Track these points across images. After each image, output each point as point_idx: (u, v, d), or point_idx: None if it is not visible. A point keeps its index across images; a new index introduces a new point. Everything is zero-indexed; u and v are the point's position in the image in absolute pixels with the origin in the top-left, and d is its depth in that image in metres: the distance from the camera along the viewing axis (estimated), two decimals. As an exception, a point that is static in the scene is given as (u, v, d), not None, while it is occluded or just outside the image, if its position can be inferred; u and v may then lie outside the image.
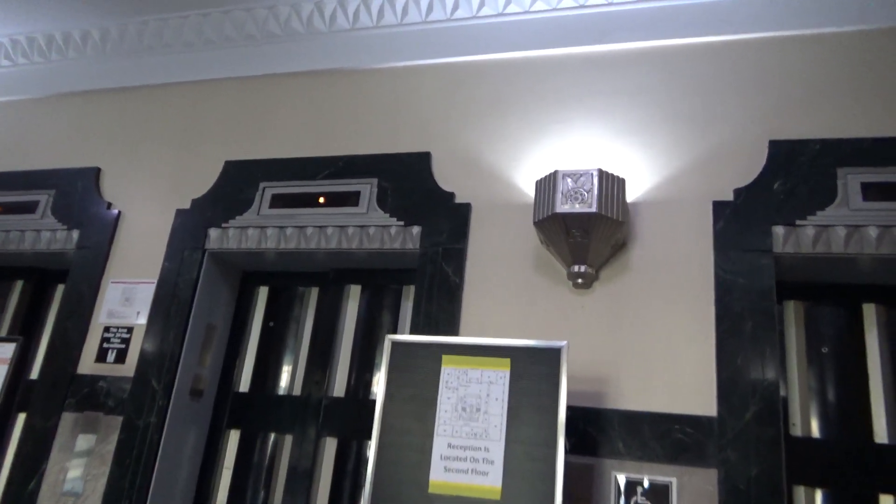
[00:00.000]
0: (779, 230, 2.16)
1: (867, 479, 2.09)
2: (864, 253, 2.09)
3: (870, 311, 2.29)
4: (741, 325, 2.09)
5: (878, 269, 2.17)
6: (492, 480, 1.65)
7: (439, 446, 1.71)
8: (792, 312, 2.36)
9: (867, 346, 2.26)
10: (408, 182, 2.63)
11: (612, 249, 2.29)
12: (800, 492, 2.12)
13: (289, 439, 2.71)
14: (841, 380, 2.24)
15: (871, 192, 2.16)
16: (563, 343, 1.76)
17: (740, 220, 2.21)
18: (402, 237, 2.54)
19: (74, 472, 2.56)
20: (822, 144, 2.24)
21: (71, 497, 2.53)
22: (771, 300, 2.10)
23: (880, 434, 2.15)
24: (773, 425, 1.96)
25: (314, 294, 2.94)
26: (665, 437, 2.01)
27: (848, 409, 2.20)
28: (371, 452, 1.74)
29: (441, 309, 2.38)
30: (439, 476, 1.68)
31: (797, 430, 2.21)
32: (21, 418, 2.92)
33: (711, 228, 2.24)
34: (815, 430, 2.21)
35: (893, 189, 2.14)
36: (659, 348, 2.14)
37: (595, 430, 2.07)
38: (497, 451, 1.67)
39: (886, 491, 2.07)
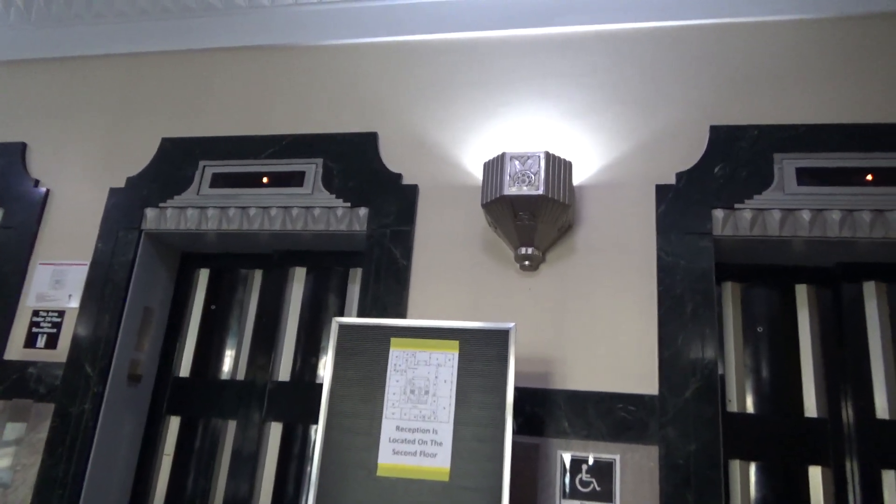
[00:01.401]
0: (718, 213, 2.22)
1: (798, 452, 2.19)
2: (797, 235, 2.17)
3: (802, 292, 2.39)
4: (682, 306, 2.14)
5: (810, 251, 2.26)
6: (440, 462, 1.65)
7: (388, 429, 1.70)
8: (729, 293, 2.43)
9: (799, 325, 2.36)
10: (354, 163, 2.58)
11: (559, 232, 2.31)
12: (735, 465, 2.21)
13: (232, 425, 2.65)
14: (774, 358, 2.34)
15: (805, 176, 2.24)
16: (512, 325, 1.77)
17: (682, 204, 2.26)
18: (348, 219, 2.50)
19: (2, 462, 2.44)
20: (760, 130, 2.31)
21: (0, 485, 2.42)
22: (710, 282, 2.16)
23: (810, 409, 2.25)
24: (711, 402, 2.02)
25: (258, 276, 2.87)
26: (609, 415, 2.06)
27: (781, 385, 2.30)
28: (318, 436, 1.71)
29: (389, 291, 2.36)
30: (388, 458, 1.67)
31: (733, 407, 2.29)
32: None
33: (654, 211, 2.29)
34: (749, 406, 2.29)
35: (826, 174, 2.23)
36: (603, 329, 2.18)
37: (541, 411, 2.10)
38: (445, 433, 1.67)
39: (815, 463, 2.17)
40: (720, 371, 2.25)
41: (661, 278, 2.19)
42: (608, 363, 2.13)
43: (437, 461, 1.65)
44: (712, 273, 2.17)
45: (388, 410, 1.72)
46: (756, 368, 2.34)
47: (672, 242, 2.22)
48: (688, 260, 2.19)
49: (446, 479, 1.63)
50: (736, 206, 2.22)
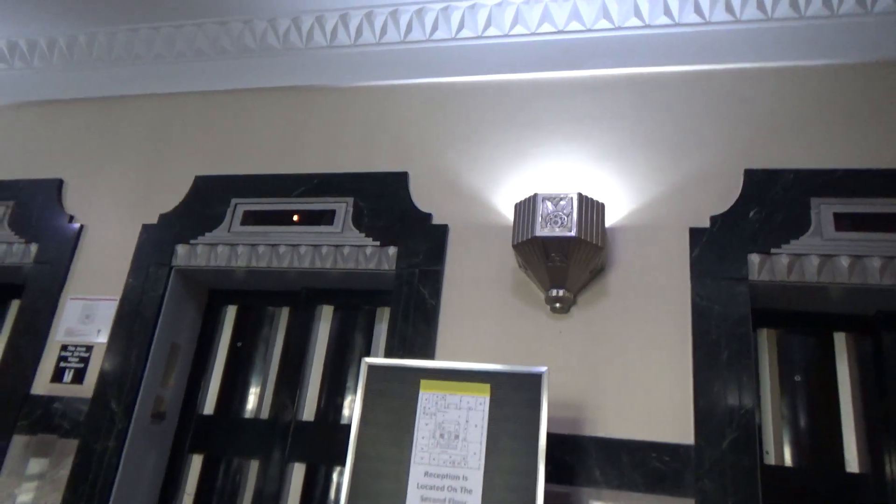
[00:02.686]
0: (754, 258, 2.18)
1: (840, 508, 2.09)
2: (835, 282, 2.11)
3: (840, 340, 2.32)
4: (717, 352, 2.09)
5: (848, 298, 2.20)
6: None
7: (416, 474, 1.65)
8: (766, 340, 2.37)
9: (838, 374, 2.28)
10: (384, 202, 2.59)
11: (591, 274, 2.28)
12: (775, 521, 2.12)
13: (255, 464, 2.61)
14: (813, 408, 2.26)
15: (843, 222, 2.20)
16: (544, 369, 1.73)
17: (716, 248, 2.22)
18: (377, 257, 2.50)
19: (24, 498, 2.41)
20: (796, 174, 2.28)
21: (20, 525, 2.39)
22: (747, 327, 2.10)
23: (851, 463, 2.16)
24: (749, 453, 1.95)
25: (284, 314, 2.86)
26: (642, 465, 1.99)
27: (820, 437, 2.21)
28: (345, 480, 1.67)
29: (417, 332, 2.33)
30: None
31: (771, 459, 2.20)
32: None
33: (688, 255, 2.25)
34: (788, 458, 2.21)
35: (865, 219, 2.18)
36: (636, 375, 2.12)
37: (572, 458, 2.03)
38: (476, 480, 1.62)
39: (859, 520, 2.08)
40: (757, 421, 2.17)
41: (696, 323, 2.14)
42: (642, 410, 2.07)
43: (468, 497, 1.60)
44: (748, 319, 2.12)
45: (416, 455, 1.67)
46: (794, 419, 2.25)
47: (707, 287, 2.18)
48: (723, 305, 2.14)
49: (477, 528, 1.58)
50: (772, 250, 2.18)
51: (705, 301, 2.16)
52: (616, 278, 2.28)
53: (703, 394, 2.04)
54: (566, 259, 2.17)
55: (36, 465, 2.46)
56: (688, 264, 2.24)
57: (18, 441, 2.52)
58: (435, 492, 1.62)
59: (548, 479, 1.98)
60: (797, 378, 2.30)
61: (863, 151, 2.27)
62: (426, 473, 1.65)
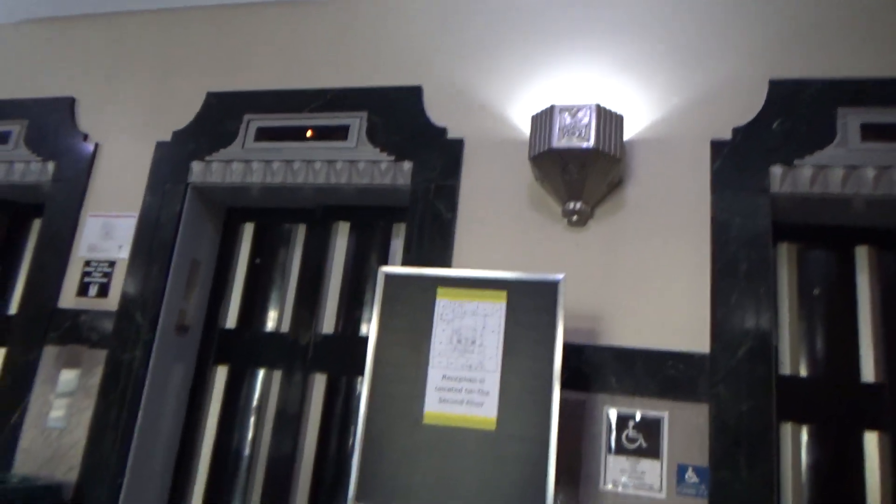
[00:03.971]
0: (776, 170, 2.13)
1: (853, 416, 2.12)
2: (860, 193, 2.07)
3: (862, 254, 2.29)
4: (736, 264, 2.08)
5: (872, 210, 2.16)
6: (487, 411, 1.64)
7: (434, 378, 1.69)
8: (785, 254, 2.35)
9: (858, 288, 2.27)
10: (398, 116, 2.55)
11: (608, 187, 2.25)
12: (787, 428, 2.15)
13: (277, 375, 2.69)
14: (830, 321, 2.26)
15: (870, 132, 2.13)
16: (561, 276, 1.74)
17: (738, 160, 2.18)
18: (392, 172, 2.48)
19: (59, 405, 2.52)
20: (823, 84, 2.20)
21: (55, 430, 2.50)
22: (767, 241, 2.08)
23: (867, 374, 2.17)
24: (764, 363, 1.97)
25: (302, 231, 2.88)
26: (658, 373, 2.02)
27: (836, 349, 2.22)
28: (364, 385, 1.72)
29: (433, 246, 2.34)
30: (434, 407, 1.67)
31: (786, 369, 2.23)
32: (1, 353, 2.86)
33: (709, 167, 2.21)
34: (803, 369, 2.23)
35: (892, 130, 2.12)
36: (654, 286, 2.13)
37: (588, 367, 2.07)
38: (492, 383, 1.65)
39: (871, 428, 2.10)
40: (774, 333, 2.18)
41: (716, 236, 2.12)
42: (658, 320, 2.08)
43: (483, 410, 1.64)
44: (769, 232, 2.09)
45: (434, 360, 1.71)
46: (811, 331, 2.26)
47: (727, 200, 2.15)
48: (743, 218, 2.11)
49: (493, 428, 1.62)
50: (795, 162, 2.13)
51: (725, 214, 2.13)
52: (634, 191, 2.26)
53: (720, 305, 2.04)
54: (583, 171, 2.14)
55: (67, 375, 2.55)
56: (708, 177, 2.20)
57: (49, 352, 2.61)
58: (452, 394, 1.67)
59: (563, 386, 2.03)
60: (816, 292, 2.30)
61: (891, 60, 2.18)
62: (444, 377, 1.69)
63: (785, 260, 2.35)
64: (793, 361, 2.24)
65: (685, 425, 1.96)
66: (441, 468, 1.61)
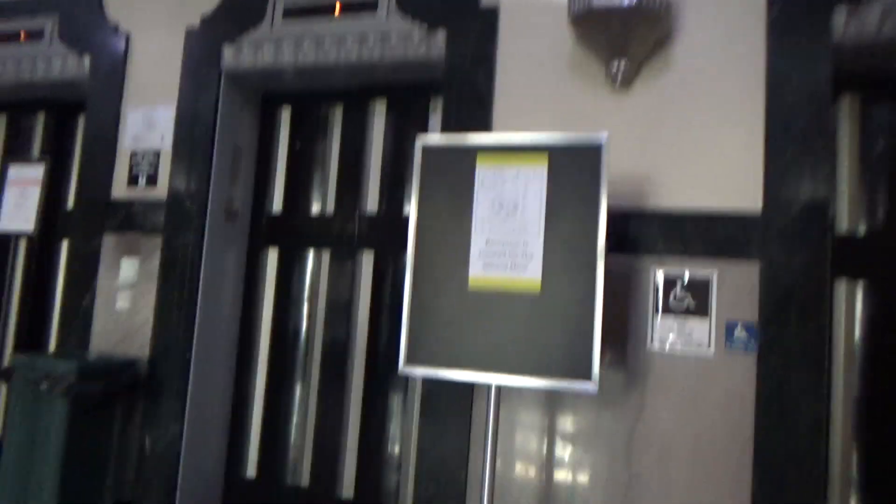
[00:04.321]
0: (841, 13, 1.96)
1: (912, 269, 2.06)
2: (935, 33, 1.89)
3: (932, 102, 2.14)
4: (793, 119, 1.96)
5: (947, 52, 1.99)
6: (531, 273, 1.65)
7: (478, 243, 1.70)
8: (847, 106, 2.20)
9: (925, 139, 2.13)
10: (430, -17, 2.41)
11: (654, 44, 2.12)
12: (842, 284, 2.11)
13: (326, 256, 2.76)
14: (893, 177, 2.14)
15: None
16: (604, 136, 1.68)
17: (798, 6, 2.00)
18: (426, 44, 2.38)
19: (124, 287, 2.66)
20: None
21: (123, 312, 2.65)
22: (826, 92, 1.94)
23: (928, 227, 2.08)
24: (819, 220, 1.90)
25: (339, 113, 2.84)
26: (707, 233, 1.97)
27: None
28: (409, 254, 1.74)
29: (472, 118, 2.28)
30: (478, 273, 1.69)
31: (843, 226, 2.15)
32: (65, 246, 3.01)
33: (764, 17, 2.04)
34: (861, 225, 2.15)
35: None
36: (703, 145, 2.04)
37: (635, 230, 2.04)
38: (536, 246, 1.65)
39: (930, 280, 2.05)
40: (831, 189, 2.09)
41: (771, 89, 1.99)
42: (707, 181, 2.01)
43: (527, 273, 1.65)
44: (829, 83, 1.95)
45: (476, 226, 1.71)
46: (871, 188, 2.16)
47: (784, 49, 1.99)
48: (802, 68, 1.97)
49: (538, 290, 1.64)
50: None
51: (782, 64, 1.99)
52: (683, 46, 2.12)
53: (774, 161, 1.95)
54: (626, 30, 2.01)
55: (128, 261, 2.67)
56: (763, 26, 2.03)
57: (109, 241, 2.73)
58: (496, 258, 1.68)
59: (609, 250, 2.00)
60: (878, 146, 2.17)
61: None
62: (487, 242, 1.69)
63: (846, 113, 2.20)
64: (851, 219, 2.15)
65: (734, 284, 1.94)
66: (487, 332, 1.65)
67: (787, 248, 1.90)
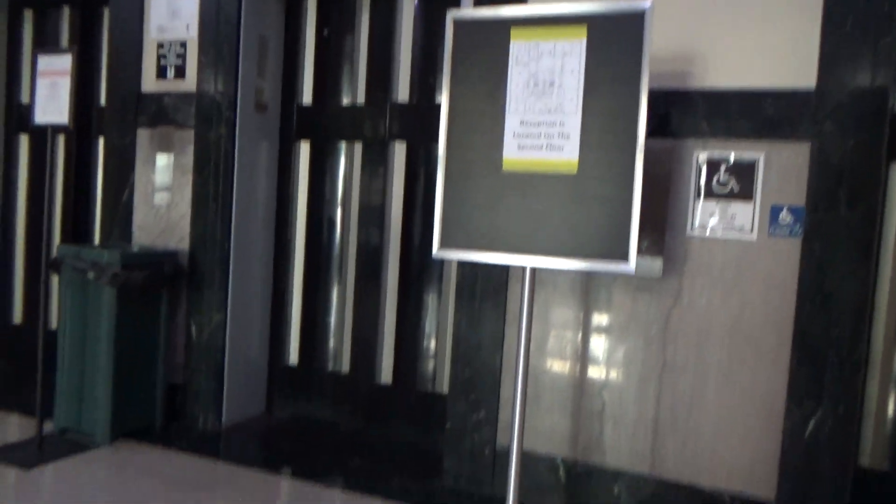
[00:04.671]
0: None
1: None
2: None
3: None
4: (856, -16, 1.79)
5: None
6: (568, 154, 1.59)
7: (511, 124, 1.63)
8: (920, -31, 2.00)
9: None
10: None
11: None
12: (896, 166, 2.00)
13: (358, 147, 2.73)
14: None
15: None
16: (647, 4, 1.55)
17: None
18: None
19: (161, 181, 2.69)
20: None
21: (162, 206, 2.69)
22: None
23: None
24: (877, 99, 1.77)
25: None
26: (755, 112, 1.86)
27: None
28: (441, 136, 1.69)
29: (506, -5, 2.15)
30: (513, 154, 1.63)
31: (903, 104, 2.01)
32: (101, 142, 3.03)
33: None
34: (923, 103, 2.00)
35: None
36: (753, 17, 1.88)
37: (677, 111, 1.94)
38: (573, 125, 1.58)
39: None
40: (891, 68, 1.94)
41: (835, -50, 1.81)
42: (756, 56, 1.88)
43: (564, 154, 1.59)
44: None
45: (511, 106, 1.63)
46: (940, 60, 1.99)
47: None
48: (872, -77, 1.78)
49: (574, 171, 1.58)
50: None
51: (850, -79, 1.79)
52: None
53: (830, 34, 1.80)
54: None
55: (163, 155, 2.68)
56: None
57: (143, 134, 2.73)
58: (531, 139, 1.62)
59: (650, 134, 1.93)
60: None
61: None
62: (521, 122, 1.63)
63: (918, -22, 2.00)
64: (913, 95, 2.00)
65: (782, 166, 1.84)
66: (522, 214, 1.62)
67: (841, 128, 1.79)
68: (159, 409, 2.59)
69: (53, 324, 3.25)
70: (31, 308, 3.38)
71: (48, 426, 2.51)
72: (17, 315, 3.44)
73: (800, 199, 1.83)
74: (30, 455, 2.26)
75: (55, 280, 3.08)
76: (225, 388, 2.62)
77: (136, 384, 2.48)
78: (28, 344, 3.32)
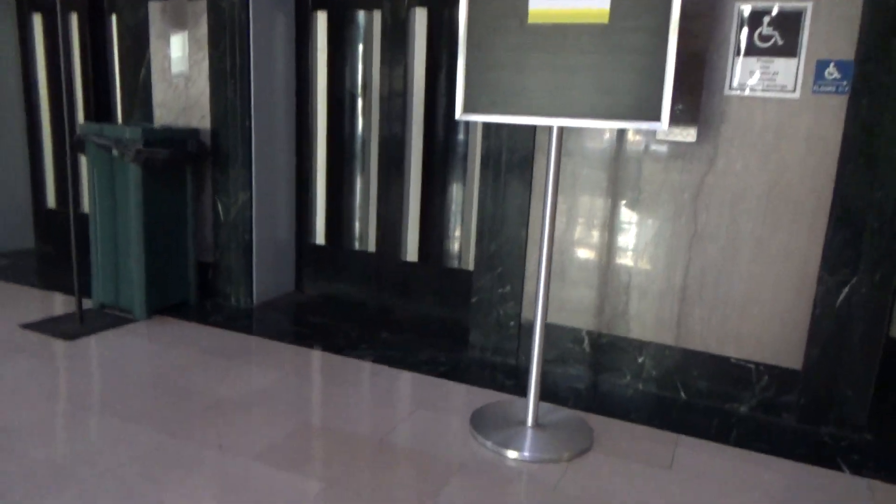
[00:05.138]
0: None
1: None
2: None
3: None
4: None
5: None
6: (599, 2, 1.48)
7: (538, -29, 1.51)
8: None
9: None
10: None
11: None
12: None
13: (377, 16, 2.60)
14: None
15: None
16: None
17: None
18: None
19: (177, 57, 2.62)
20: None
21: (181, 79, 2.64)
22: None
23: None
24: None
25: None
26: (806, -44, 1.70)
27: None
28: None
29: None
30: (539, 3, 1.52)
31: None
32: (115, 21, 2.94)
33: None
34: None
35: None
36: None
37: (719, -41, 1.78)
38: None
39: None
40: None
41: None
42: None
43: (595, 1, 1.48)
44: None
45: (538, -49, 1.51)
46: None
47: None
48: None
49: (606, 20, 1.47)
50: None
51: None
52: None
53: None
54: None
55: (177, 30, 2.60)
56: None
57: (154, 8, 2.64)
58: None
59: (688, -15, 1.79)
60: None
61: None
62: (549, -32, 1.51)
63: None
64: None
65: (832, 15, 1.70)
66: (549, 71, 1.53)
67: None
68: (193, 287, 2.65)
69: (86, 208, 3.31)
70: (63, 192, 3.43)
71: (88, 304, 2.60)
72: (51, 199, 3.50)
73: (849, 53, 1.70)
74: (72, 327, 2.35)
75: (84, 163, 3.10)
76: (254, 266, 2.66)
77: (168, 261, 2.54)
78: (64, 227, 3.40)
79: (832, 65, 1.71)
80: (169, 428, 1.67)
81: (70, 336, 2.27)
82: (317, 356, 2.23)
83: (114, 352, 2.16)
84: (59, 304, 2.63)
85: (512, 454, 1.62)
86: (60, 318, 2.45)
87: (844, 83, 1.71)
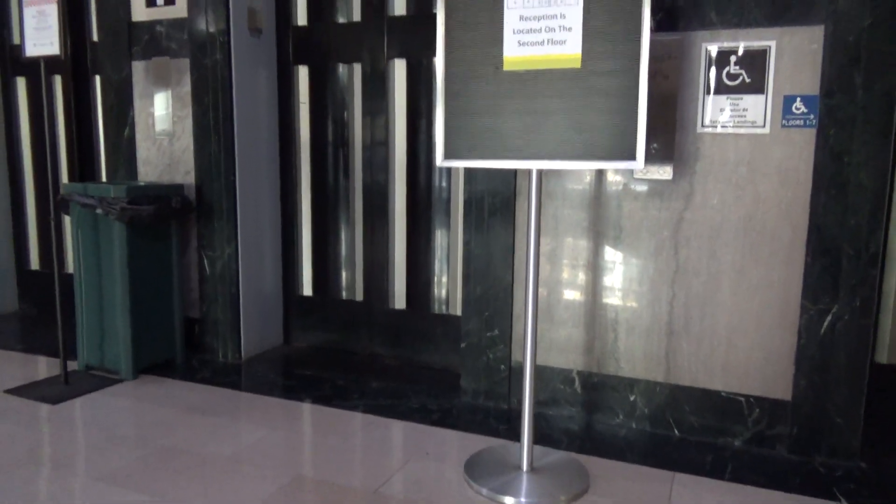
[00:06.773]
0: None
1: None
2: None
3: None
4: None
5: None
6: (570, 48, 1.53)
7: (510, 20, 1.56)
8: None
9: None
10: None
11: None
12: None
13: (357, 69, 2.66)
14: None
15: None
16: None
17: None
18: None
19: (161, 114, 2.66)
20: None
21: (165, 136, 2.67)
22: None
23: None
24: (898, -29, 1.67)
25: None
26: (766, -4, 1.78)
27: None
28: (438, 37, 1.62)
29: None
30: (513, 52, 1.57)
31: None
32: (98, 81, 2.99)
33: None
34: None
35: None
36: None
37: (682, 2, 1.85)
38: (574, 17, 1.51)
39: None
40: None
41: None
42: (769, -63, 1.78)
43: (566, 48, 1.53)
44: None
45: (509, 1, 1.57)
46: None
47: None
48: None
49: (578, 65, 1.52)
50: None
51: None
52: None
53: None
54: None
55: (161, 87, 2.64)
56: None
57: (138, 67, 2.68)
58: (532, 35, 1.55)
59: (656, 28, 1.86)
60: None
61: None
62: (521, 18, 1.56)
63: None
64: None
65: (795, 52, 1.77)
66: (526, 115, 1.57)
67: (858, 7, 1.70)
68: (179, 343, 2.63)
69: (69, 268, 3.29)
70: (47, 252, 3.42)
71: (73, 365, 2.57)
72: (34, 260, 3.48)
73: (813, 87, 1.76)
74: (57, 390, 2.31)
75: (68, 223, 3.09)
76: (242, 320, 2.65)
77: (155, 319, 2.52)
78: (47, 288, 3.37)
79: (798, 100, 1.77)
80: (156, 489, 1.63)
81: (55, 399, 2.23)
82: (307, 409, 2.20)
83: (99, 413, 2.12)
84: (44, 367, 2.59)
85: (508, 501, 1.60)
86: (45, 381, 2.41)
87: (811, 116, 1.76)
